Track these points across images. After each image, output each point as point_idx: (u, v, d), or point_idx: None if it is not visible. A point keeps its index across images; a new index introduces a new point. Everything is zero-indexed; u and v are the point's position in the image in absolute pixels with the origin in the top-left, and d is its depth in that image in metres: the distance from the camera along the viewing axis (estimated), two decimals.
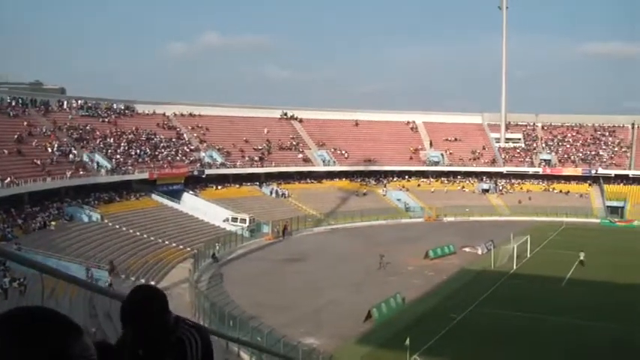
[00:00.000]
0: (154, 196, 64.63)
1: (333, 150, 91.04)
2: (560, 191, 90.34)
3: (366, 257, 51.40)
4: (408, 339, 27.81)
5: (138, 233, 53.39)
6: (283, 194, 79.27)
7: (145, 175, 65.75)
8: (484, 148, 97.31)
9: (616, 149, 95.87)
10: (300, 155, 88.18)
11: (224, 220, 63.29)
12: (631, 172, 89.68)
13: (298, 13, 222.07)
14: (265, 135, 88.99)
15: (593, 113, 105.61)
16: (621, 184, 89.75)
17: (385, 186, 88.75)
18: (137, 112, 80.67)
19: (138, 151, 70.95)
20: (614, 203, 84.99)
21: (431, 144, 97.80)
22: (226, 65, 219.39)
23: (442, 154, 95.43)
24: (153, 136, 76.23)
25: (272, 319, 32.81)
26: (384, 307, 35.65)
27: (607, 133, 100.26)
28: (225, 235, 57.63)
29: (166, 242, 53.33)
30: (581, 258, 51.04)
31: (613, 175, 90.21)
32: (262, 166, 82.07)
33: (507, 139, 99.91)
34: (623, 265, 50.77)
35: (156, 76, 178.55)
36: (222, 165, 78.35)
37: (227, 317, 31.76)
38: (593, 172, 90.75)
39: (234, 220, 63.36)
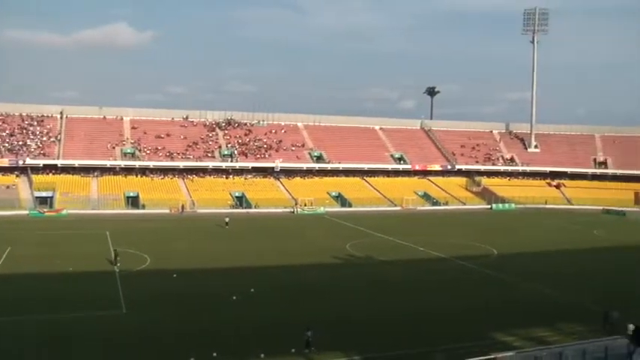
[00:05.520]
0: None
1: None
2: None
3: None
4: None
5: None
6: None
7: None
8: None
9: (45, 139, 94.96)
10: None
11: None
12: (60, 162, 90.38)
13: None
14: None
15: (20, 102, 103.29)
16: (50, 174, 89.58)
17: None
18: None
19: None
20: (44, 193, 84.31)
21: None
22: None
23: None
24: None
25: None
26: None
27: (35, 123, 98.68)
28: None
29: None
30: None
31: (42, 165, 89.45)
32: None
33: None
34: (51, 255, 50.04)
35: None
36: None
37: None
38: (21, 162, 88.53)
39: None
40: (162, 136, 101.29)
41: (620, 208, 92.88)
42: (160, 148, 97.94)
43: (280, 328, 31.19)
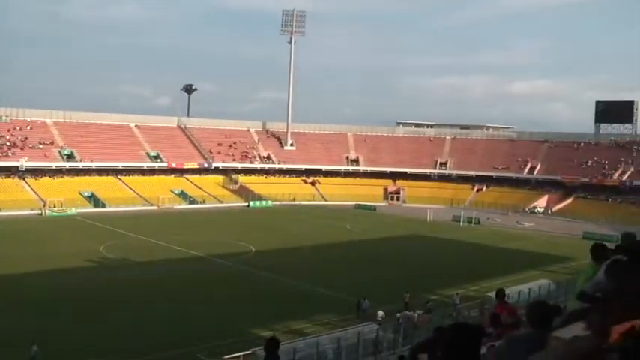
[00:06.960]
0: None
1: None
2: None
3: None
4: None
5: None
6: None
7: None
8: None
9: None
10: None
11: None
12: None
13: None
14: None
15: None
16: None
17: None
18: None
19: None
20: None
21: None
22: None
23: None
24: None
25: None
26: None
27: None
28: None
29: None
30: None
31: None
32: None
33: None
34: None
35: None
36: None
37: None
38: None
39: None
40: None
41: (371, 203, 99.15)
42: None
43: (18, 342, 28.57)
